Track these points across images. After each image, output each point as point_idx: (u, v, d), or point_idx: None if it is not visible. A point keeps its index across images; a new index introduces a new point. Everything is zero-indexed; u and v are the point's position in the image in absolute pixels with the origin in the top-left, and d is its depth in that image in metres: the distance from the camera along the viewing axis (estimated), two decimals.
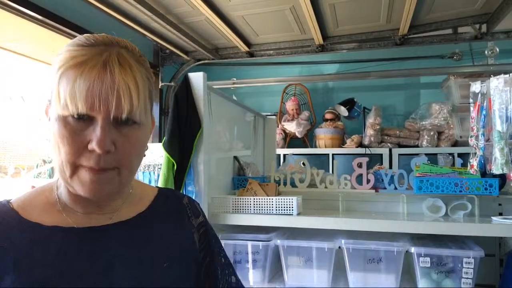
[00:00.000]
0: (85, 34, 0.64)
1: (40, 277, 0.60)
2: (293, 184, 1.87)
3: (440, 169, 1.55)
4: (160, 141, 2.57)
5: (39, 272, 0.60)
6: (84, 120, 0.59)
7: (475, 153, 1.54)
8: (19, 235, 0.62)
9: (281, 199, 1.51)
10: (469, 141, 1.58)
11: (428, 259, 1.35)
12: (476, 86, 1.54)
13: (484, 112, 1.49)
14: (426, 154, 2.81)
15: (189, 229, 0.78)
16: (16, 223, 0.64)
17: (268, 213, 1.53)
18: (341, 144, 3.34)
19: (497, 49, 2.89)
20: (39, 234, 0.63)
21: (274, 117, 2.92)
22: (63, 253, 0.62)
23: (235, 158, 2.01)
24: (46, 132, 0.63)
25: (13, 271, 0.59)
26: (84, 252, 0.64)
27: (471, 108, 1.59)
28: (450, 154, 2.97)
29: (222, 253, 0.84)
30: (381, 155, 3.16)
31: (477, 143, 1.52)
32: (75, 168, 0.60)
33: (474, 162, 1.53)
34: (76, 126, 0.59)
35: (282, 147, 3.46)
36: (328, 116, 3.41)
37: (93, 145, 0.58)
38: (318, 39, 2.63)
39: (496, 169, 1.41)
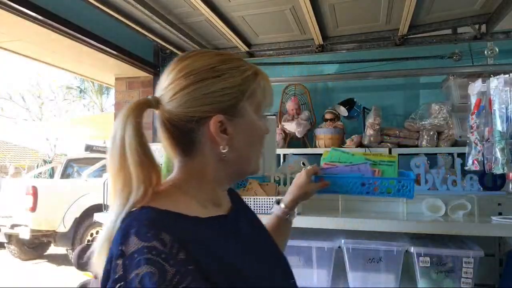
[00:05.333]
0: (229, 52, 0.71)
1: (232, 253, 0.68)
2: None
3: (352, 157, 1.22)
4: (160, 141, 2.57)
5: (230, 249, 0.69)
6: None
7: (476, 148, 1.53)
8: (202, 227, 0.68)
9: None
10: (470, 135, 1.57)
11: (428, 259, 1.35)
12: (476, 85, 1.54)
13: (483, 108, 1.49)
14: (425, 154, 2.81)
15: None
16: (189, 219, 0.68)
17: (268, 213, 1.53)
18: (341, 144, 3.33)
19: (497, 49, 2.89)
20: (205, 224, 0.69)
21: (274, 117, 2.92)
22: (229, 234, 0.73)
23: None
24: (226, 143, 0.72)
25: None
26: (240, 233, 0.77)
27: (472, 106, 1.58)
28: (449, 154, 2.97)
29: None
30: None
31: (478, 138, 1.51)
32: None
33: (477, 156, 1.52)
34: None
35: (282, 147, 3.46)
36: (328, 116, 3.40)
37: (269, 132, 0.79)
38: (318, 39, 2.63)
39: (497, 169, 1.42)
